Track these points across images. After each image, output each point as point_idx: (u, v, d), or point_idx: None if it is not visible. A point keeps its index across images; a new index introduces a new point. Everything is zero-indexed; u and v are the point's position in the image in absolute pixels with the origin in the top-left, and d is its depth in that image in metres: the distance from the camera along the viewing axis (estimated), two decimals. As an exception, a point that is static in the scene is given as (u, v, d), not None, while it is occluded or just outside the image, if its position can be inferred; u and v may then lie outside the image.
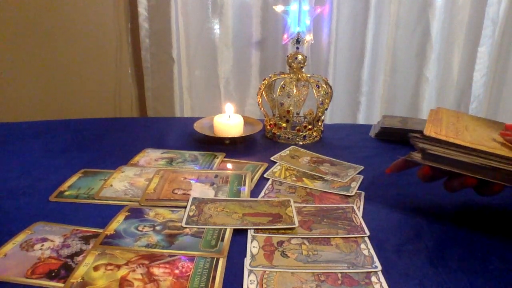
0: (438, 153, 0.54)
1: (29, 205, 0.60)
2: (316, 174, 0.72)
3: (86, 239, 0.52)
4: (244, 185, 0.67)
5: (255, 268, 0.47)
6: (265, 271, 0.46)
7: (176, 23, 1.42)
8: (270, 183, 0.69)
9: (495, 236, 0.55)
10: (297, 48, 0.88)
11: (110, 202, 0.62)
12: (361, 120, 1.54)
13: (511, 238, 0.54)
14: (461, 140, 0.53)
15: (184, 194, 0.64)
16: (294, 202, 0.61)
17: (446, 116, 0.62)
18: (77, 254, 0.49)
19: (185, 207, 0.59)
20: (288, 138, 0.87)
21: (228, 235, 0.53)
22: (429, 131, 0.55)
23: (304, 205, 0.61)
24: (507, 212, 0.61)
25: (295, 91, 0.85)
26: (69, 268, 0.46)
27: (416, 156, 0.56)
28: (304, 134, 0.87)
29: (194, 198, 0.62)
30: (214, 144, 0.84)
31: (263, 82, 0.89)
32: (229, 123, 0.85)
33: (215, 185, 0.67)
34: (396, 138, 0.87)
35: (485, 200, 0.65)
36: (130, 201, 0.62)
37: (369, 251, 0.50)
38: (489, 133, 0.58)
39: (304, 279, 0.45)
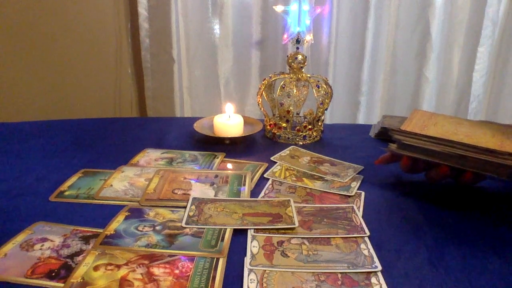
0: (410, 143, 0.62)
1: (29, 205, 0.60)
2: (316, 174, 0.72)
3: (86, 239, 0.52)
4: (244, 185, 0.67)
5: (255, 267, 0.47)
6: (265, 270, 0.46)
7: (176, 23, 1.42)
8: (270, 183, 0.68)
9: (495, 236, 0.55)
10: (297, 48, 0.87)
11: (110, 202, 0.62)
12: (361, 120, 1.54)
13: None
14: (425, 132, 0.62)
15: (184, 194, 0.64)
16: (294, 202, 0.61)
17: (419, 115, 0.71)
18: (77, 254, 0.49)
19: (185, 207, 0.59)
20: (288, 138, 0.87)
21: (228, 235, 0.53)
22: (403, 127, 0.65)
23: (304, 205, 0.61)
24: (507, 213, 0.61)
25: (295, 91, 0.85)
26: (69, 268, 0.46)
27: (393, 146, 0.65)
28: (304, 134, 0.87)
29: (194, 198, 0.62)
30: (214, 144, 0.84)
31: (263, 82, 0.89)
32: (229, 123, 0.85)
33: (215, 185, 0.67)
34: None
35: (485, 201, 0.65)
36: (130, 201, 0.62)
37: (369, 251, 0.50)
38: (456, 127, 0.65)
39: (304, 278, 0.45)
